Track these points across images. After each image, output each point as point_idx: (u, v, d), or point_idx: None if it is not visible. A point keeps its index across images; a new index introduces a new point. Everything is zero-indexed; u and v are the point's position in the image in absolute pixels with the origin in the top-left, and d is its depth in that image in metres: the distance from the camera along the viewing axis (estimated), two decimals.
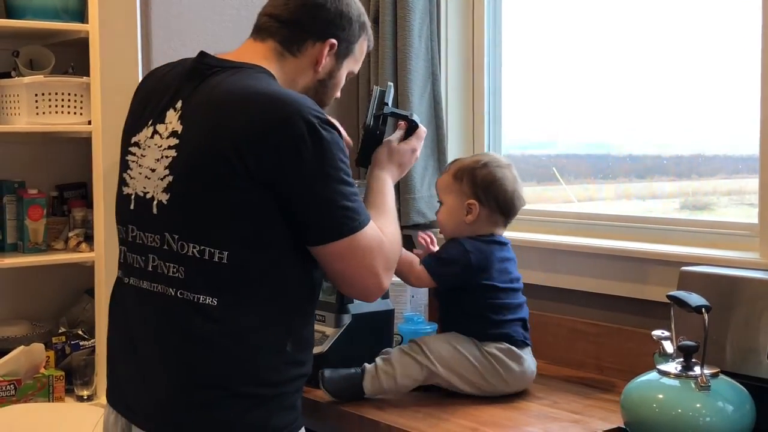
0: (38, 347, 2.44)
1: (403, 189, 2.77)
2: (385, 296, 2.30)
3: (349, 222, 1.65)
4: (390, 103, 1.94)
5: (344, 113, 2.82)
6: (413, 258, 2.10)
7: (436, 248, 2.16)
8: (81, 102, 2.52)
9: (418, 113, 2.73)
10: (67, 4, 2.53)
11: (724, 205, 2.37)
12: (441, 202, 2.16)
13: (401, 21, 2.76)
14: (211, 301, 1.62)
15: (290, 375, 1.71)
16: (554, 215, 2.69)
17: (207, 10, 2.68)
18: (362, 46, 1.92)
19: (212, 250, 1.62)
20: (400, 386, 2.05)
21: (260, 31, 1.83)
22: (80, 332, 2.58)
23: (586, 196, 2.65)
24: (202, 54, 1.78)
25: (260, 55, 1.79)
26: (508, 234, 2.19)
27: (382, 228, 1.74)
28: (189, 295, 1.63)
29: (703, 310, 1.73)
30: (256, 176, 1.60)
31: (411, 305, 2.60)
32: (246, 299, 1.65)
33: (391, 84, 2.03)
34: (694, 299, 1.76)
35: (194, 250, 1.62)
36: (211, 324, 1.63)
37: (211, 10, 2.68)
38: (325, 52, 1.81)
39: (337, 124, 1.71)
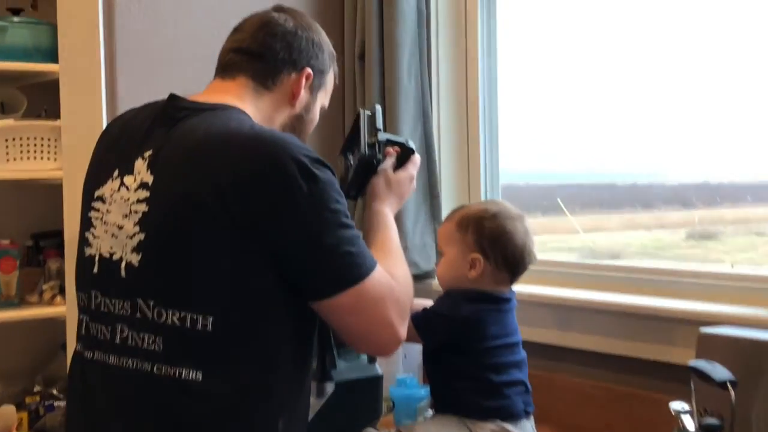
0: (8, 410, 2.37)
1: None
2: (372, 359, 2.12)
3: (355, 269, 1.50)
4: (382, 128, 1.81)
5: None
6: None
7: None
8: (54, 146, 2.44)
9: None
10: (40, 43, 2.43)
11: (730, 234, 2.30)
12: (441, 254, 1.97)
13: (389, 57, 2.60)
14: (195, 376, 1.45)
15: None
16: (557, 265, 2.52)
17: (178, 49, 2.52)
18: (331, 78, 1.82)
19: (195, 316, 1.45)
20: None
21: (227, 69, 1.70)
22: (55, 392, 2.50)
23: (592, 227, 2.59)
24: (173, 96, 1.64)
25: (232, 93, 1.66)
26: None
27: (390, 270, 1.59)
28: (169, 370, 1.46)
29: (729, 384, 1.52)
30: (244, 227, 1.45)
31: (403, 366, 2.44)
32: (235, 370, 1.48)
33: (379, 106, 1.88)
34: (719, 372, 1.56)
35: (174, 317, 1.46)
36: (196, 403, 1.46)
37: (184, 49, 2.54)
38: (303, 82, 1.71)
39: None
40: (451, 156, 2.76)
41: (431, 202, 2.65)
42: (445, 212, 2.56)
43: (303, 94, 1.71)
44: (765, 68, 2.07)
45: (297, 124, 1.73)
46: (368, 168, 1.80)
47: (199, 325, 1.46)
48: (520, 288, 2.17)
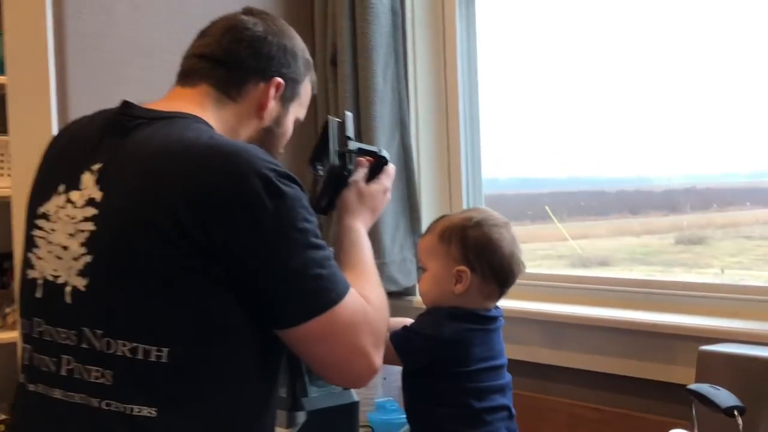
0: None
1: None
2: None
3: (325, 294, 1.40)
4: (353, 136, 1.71)
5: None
6: None
7: None
8: (4, 162, 2.39)
9: None
10: None
11: (719, 239, 2.27)
12: (423, 269, 1.84)
13: (362, 61, 2.48)
14: (149, 412, 1.34)
15: None
16: (547, 279, 2.41)
17: (134, 55, 2.39)
18: (307, 88, 1.68)
19: (148, 348, 1.35)
20: None
21: (189, 75, 1.58)
22: None
23: (580, 234, 2.54)
24: (126, 104, 1.52)
25: (193, 102, 1.54)
26: None
27: (364, 293, 1.48)
28: (119, 406, 1.35)
29: (736, 412, 1.38)
30: (202, 249, 1.34)
31: (383, 389, 2.33)
32: (192, 406, 1.37)
33: (350, 114, 1.77)
34: (723, 397, 1.42)
35: (124, 348, 1.35)
36: None
37: (141, 55, 2.41)
38: (271, 93, 1.58)
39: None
40: (431, 165, 2.64)
41: (410, 215, 2.54)
42: (425, 224, 2.46)
43: (272, 105, 1.59)
44: (750, 71, 2.05)
45: (266, 138, 1.61)
46: (338, 180, 1.69)
47: (152, 357, 1.35)
48: (507, 303, 2.07)
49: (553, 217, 2.53)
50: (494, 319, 1.80)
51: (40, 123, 2.16)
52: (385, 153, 1.76)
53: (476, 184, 2.61)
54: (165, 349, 1.35)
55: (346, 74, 2.49)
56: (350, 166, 1.70)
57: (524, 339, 2.25)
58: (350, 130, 1.71)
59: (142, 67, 2.40)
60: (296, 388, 1.89)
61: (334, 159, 1.68)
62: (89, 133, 1.52)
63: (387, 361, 1.74)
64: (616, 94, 2.36)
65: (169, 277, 1.35)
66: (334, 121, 1.71)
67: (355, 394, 2.04)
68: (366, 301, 1.47)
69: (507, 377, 1.81)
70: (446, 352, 1.73)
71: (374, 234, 2.43)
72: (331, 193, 1.70)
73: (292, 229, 1.38)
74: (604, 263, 2.46)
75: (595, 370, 2.14)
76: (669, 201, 2.37)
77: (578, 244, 2.54)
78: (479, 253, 1.77)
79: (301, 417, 1.90)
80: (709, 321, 1.94)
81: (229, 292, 1.37)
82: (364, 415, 2.23)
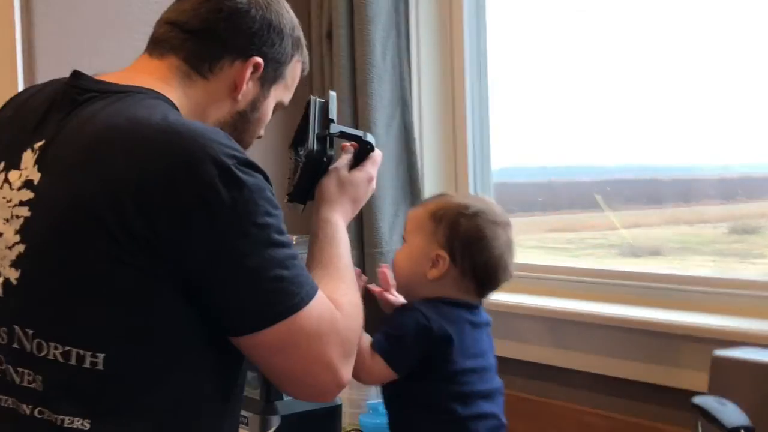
0: None
1: (367, 241, 2.31)
2: None
3: (287, 298, 1.27)
4: (335, 119, 1.56)
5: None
6: (363, 342, 1.58)
7: (394, 285, 1.71)
8: None
9: (385, 147, 2.29)
10: None
11: None
12: (405, 240, 1.70)
13: (359, 35, 2.31)
14: (82, 424, 1.22)
15: None
16: (551, 271, 2.22)
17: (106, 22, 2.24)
18: (295, 70, 1.53)
19: (82, 352, 1.23)
20: None
21: (158, 44, 1.44)
22: None
23: (631, 223, 2.40)
24: (76, 74, 1.37)
25: (156, 75, 1.40)
26: None
27: (334, 297, 1.35)
28: (50, 416, 1.23)
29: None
30: (146, 244, 1.20)
31: (376, 390, 2.15)
32: (133, 422, 1.24)
33: (334, 93, 1.62)
34: (729, 414, 1.23)
35: (56, 351, 1.23)
36: None
37: (114, 21, 2.26)
38: (247, 74, 1.44)
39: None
40: (435, 147, 2.46)
41: (411, 201, 2.36)
42: None
43: (249, 87, 1.45)
44: None
45: (239, 122, 1.47)
46: (316, 166, 1.54)
47: (87, 363, 1.23)
48: (507, 297, 1.90)
49: (604, 206, 2.38)
50: (476, 307, 1.65)
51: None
52: (370, 138, 1.61)
53: (485, 169, 2.43)
54: (101, 355, 1.22)
55: (341, 48, 2.32)
56: (330, 152, 1.55)
57: (526, 336, 2.09)
58: (333, 112, 1.57)
59: (117, 39, 2.25)
60: (270, 390, 1.80)
61: (312, 143, 1.53)
62: (36, 106, 1.39)
63: (377, 380, 1.61)
64: (669, 77, 2.19)
65: (108, 275, 1.22)
66: (316, 100, 1.57)
67: (338, 397, 1.90)
68: (336, 306, 1.34)
69: (496, 382, 1.65)
70: (434, 342, 1.58)
71: (371, 221, 2.28)
72: (308, 181, 1.55)
73: (250, 224, 1.25)
74: (655, 253, 2.34)
75: (605, 373, 1.97)
76: (723, 190, 2.24)
77: (629, 234, 2.40)
78: (465, 246, 1.62)
79: (274, 421, 1.81)
80: (727, 322, 1.74)
81: (177, 294, 1.25)
82: (356, 417, 2.12)
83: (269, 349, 1.29)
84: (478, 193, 2.40)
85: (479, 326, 1.63)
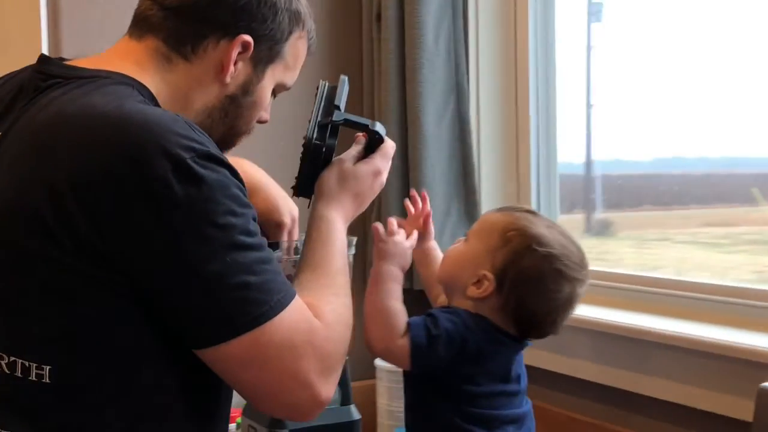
0: None
1: None
2: (347, 398, 1.74)
3: (253, 308, 1.15)
4: (343, 106, 1.41)
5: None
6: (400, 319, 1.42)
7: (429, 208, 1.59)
8: None
9: (437, 138, 2.12)
10: None
11: None
12: (466, 238, 1.52)
13: (409, 17, 2.13)
14: None
15: None
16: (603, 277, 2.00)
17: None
18: (296, 48, 1.38)
19: (27, 364, 1.15)
20: None
21: (138, 24, 1.32)
22: None
23: None
24: (44, 59, 1.28)
25: (132, 58, 1.28)
26: None
27: (318, 305, 1.24)
28: None
29: None
30: (92, 247, 1.10)
31: None
32: None
33: (345, 78, 1.46)
34: None
35: (2, 362, 1.15)
36: None
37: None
38: (233, 54, 1.30)
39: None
40: (494, 139, 2.26)
41: (466, 198, 2.18)
42: (484, 210, 2.11)
43: (239, 68, 1.32)
44: None
45: (230, 107, 1.35)
46: (315, 156, 1.40)
47: (32, 376, 1.14)
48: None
49: (761, 200, 2.11)
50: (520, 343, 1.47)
51: None
52: (379, 127, 1.44)
53: (551, 163, 2.22)
54: (46, 367, 1.13)
55: (390, 31, 2.14)
56: (330, 141, 1.40)
57: (576, 352, 1.88)
58: (342, 99, 1.41)
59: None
60: None
61: (312, 132, 1.39)
62: (2, 95, 1.29)
63: (391, 359, 1.45)
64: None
65: (52, 280, 1.12)
66: (325, 85, 1.43)
67: (356, 411, 1.74)
68: (317, 315, 1.21)
69: (526, 405, 1.46)
70: (464, 362, 1.41)
71: None
72: (308, 174, 1.41)
73: (208, 224, 1.12)
74: None
75: (649, 395, 1.75)
76: None
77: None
78: (516, 283, 1.42)
79: None
80: None
81: (128, 300, 1.13)
82: (393, 430, 1.95)
83: (236, 364, 1.16)
84: (540, 190, 2.19)
85: (517, 351, 1.46)
